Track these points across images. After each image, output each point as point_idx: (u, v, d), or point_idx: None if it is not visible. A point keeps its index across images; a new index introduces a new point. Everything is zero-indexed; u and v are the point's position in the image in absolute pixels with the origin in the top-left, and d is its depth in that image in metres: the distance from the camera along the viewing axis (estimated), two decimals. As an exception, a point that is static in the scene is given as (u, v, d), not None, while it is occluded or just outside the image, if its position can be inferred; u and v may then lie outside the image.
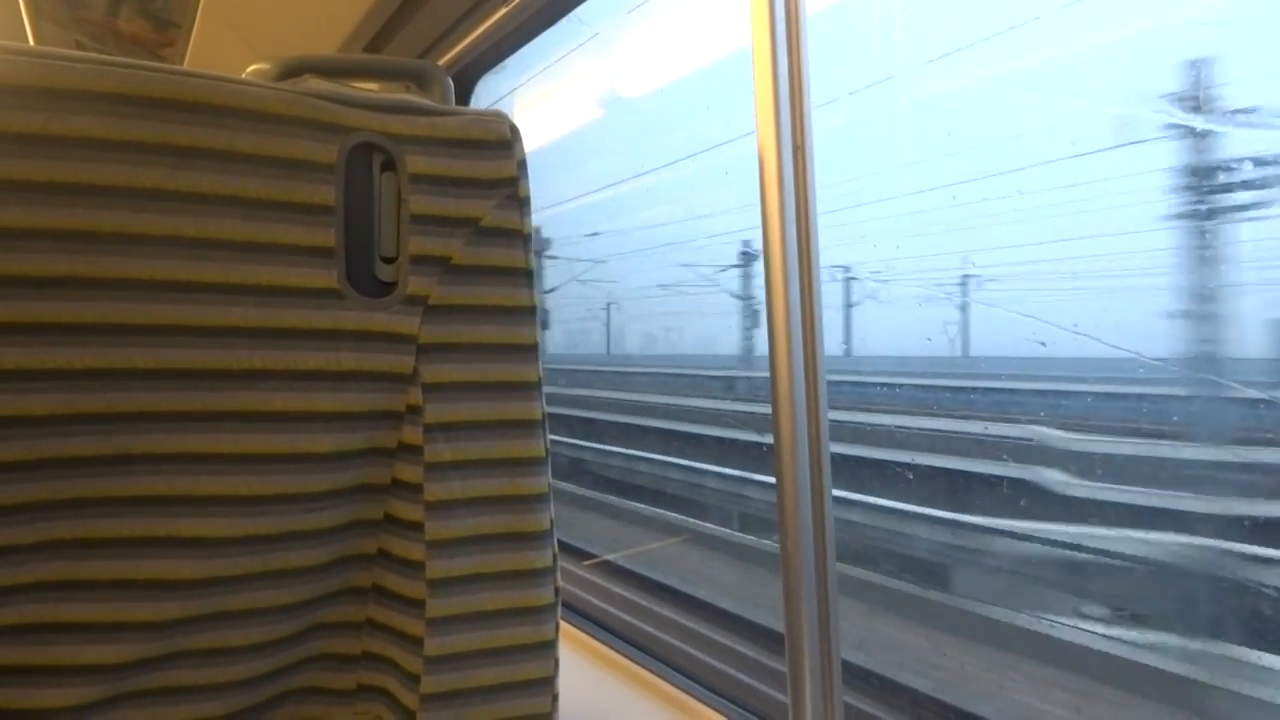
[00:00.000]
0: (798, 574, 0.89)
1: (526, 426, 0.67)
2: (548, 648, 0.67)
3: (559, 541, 0.70)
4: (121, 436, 0.56)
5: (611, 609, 1.47)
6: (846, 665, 0.89)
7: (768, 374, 0.89)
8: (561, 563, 0.70)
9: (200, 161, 0.57)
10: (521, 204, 0.67)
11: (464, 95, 1.65)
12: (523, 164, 0.67)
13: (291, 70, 0.72)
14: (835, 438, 0.89)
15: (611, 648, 1.33)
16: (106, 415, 0.56)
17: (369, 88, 0.73)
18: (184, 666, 0.60)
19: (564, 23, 1.43)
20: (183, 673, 0.60)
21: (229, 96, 0.58)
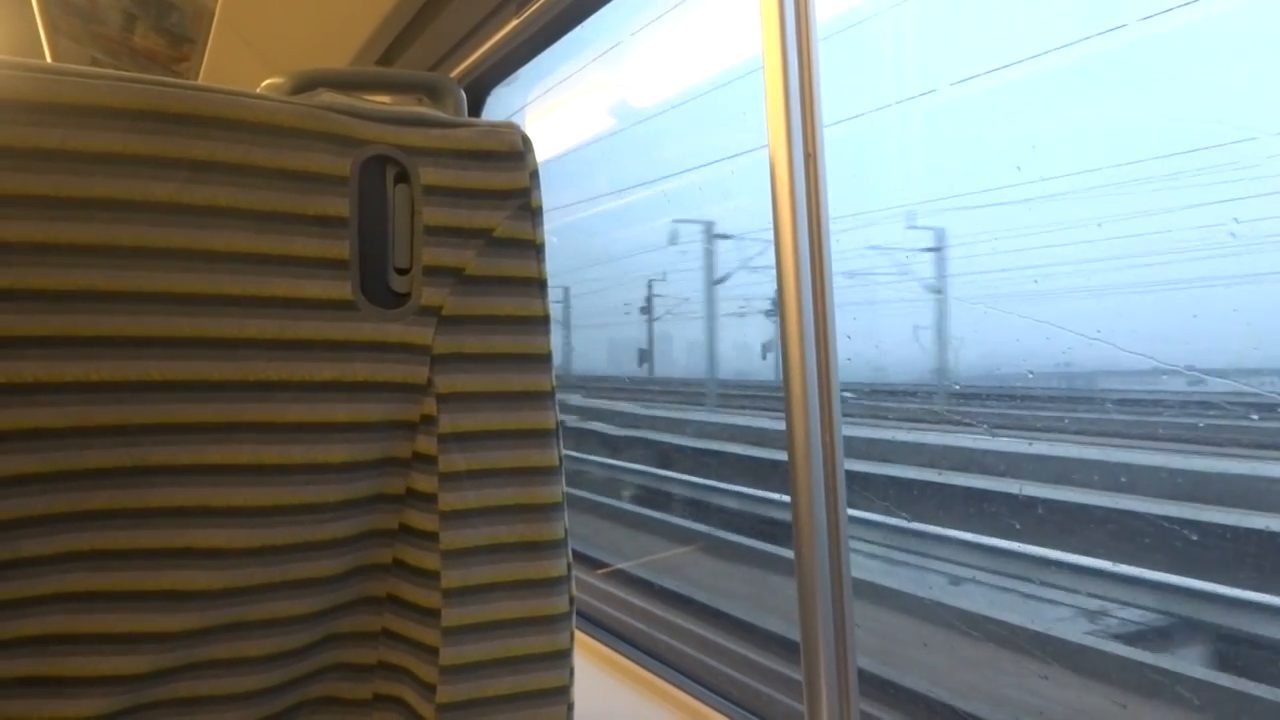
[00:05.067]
0: (813, 582, 0.89)
1: (540, 435, 0.67)
2: (563, 657, 0.67)
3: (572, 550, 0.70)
4: (138, 448, 0.57)
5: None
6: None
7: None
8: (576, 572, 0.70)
9: (216, 175, 0.57)
10: (534, 214, 0.67)
11: (476, 107, 1.66)
12: (535, 175, 0.68)
13: (305, 84, 0.72)
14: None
15: (626, 656, 1.32)
16: (123, 427, 0.56)
17: (382, 101, 0.74)
18: (201, 677, 0.60)
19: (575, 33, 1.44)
20: (200, 683, 0.60)
21: (244, 111, 0.58)
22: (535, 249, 0.67)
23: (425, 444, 0.64)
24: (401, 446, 0.64)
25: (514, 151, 0.66)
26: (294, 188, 0.59)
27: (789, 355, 0.90)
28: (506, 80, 1.66)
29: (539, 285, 0.68)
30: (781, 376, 0.91)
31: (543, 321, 0.68)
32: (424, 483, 0.64)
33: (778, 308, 0.91)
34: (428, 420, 0.64)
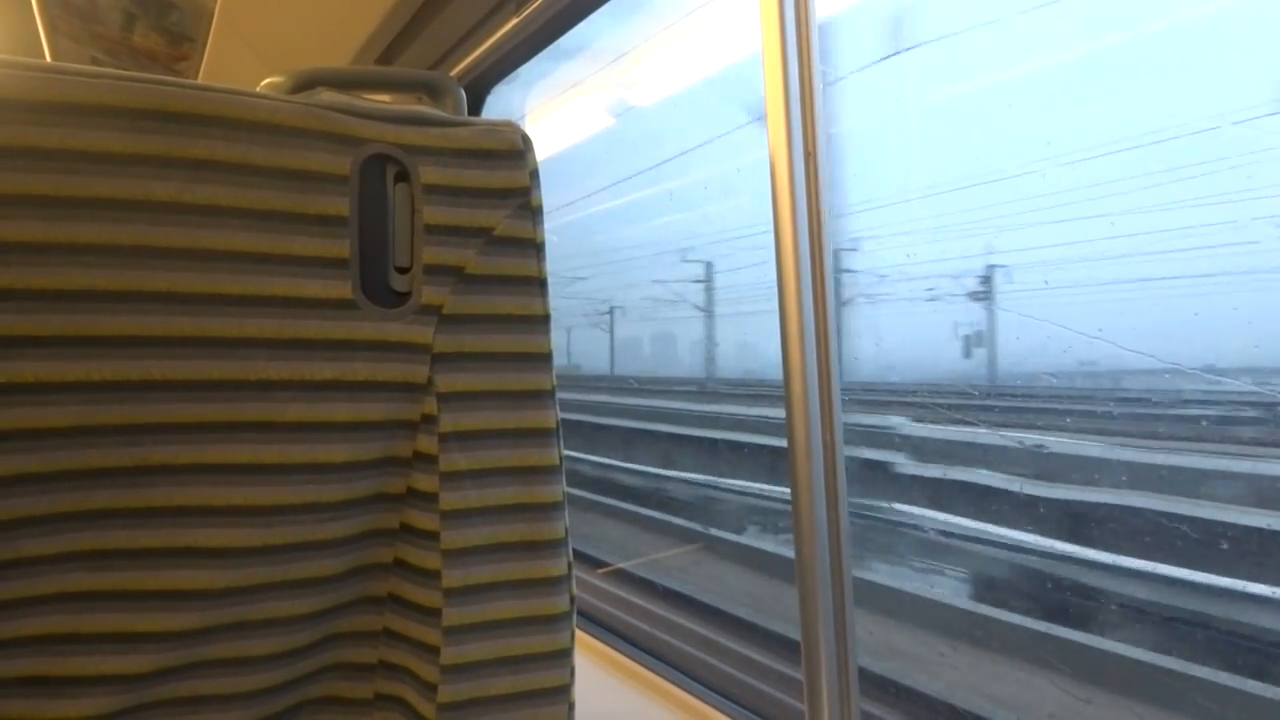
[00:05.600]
0: (813, 580, 0.89)
1: (541, 435, 0.67)
2: (563, 656, 0.67)
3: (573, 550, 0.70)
4: (139, 448, 0.57)
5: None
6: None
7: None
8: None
9: (215, 174, 0.57)
10: (534, 213, 0.67)
11: (476, 106, 1.66)
12: (535, 173, 0.68)
13: (305, 83, 0.72)
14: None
15: (627, 655, 1.32)
16: (125, 427, 0.56)
17: (382, 99, 0.74)
18: (203, 676, 0.60)
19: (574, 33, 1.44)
20: (202, 683, 0.60)
21: (243, 110, 0.58)
22: (535, 248, 0.67)
23: (426, 443, 0.64)
24: (402, 446, 0.64)
25: (514, 150, 0.66)
26: (294, 187, 0.59)
27: (789, 352, 0.90)
28: (507, 79, 1.66)
29: (539, 284, 0.68)
30: (781, 374, 0.91)
31: (543, 320, 0.68)
32: (425, 482, 0.64)
33: (779, 302, 0.91)
34: (428, 419, 0.64)
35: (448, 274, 0.64)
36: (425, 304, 0.64)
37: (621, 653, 1.33)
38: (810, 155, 0.89)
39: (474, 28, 1.45)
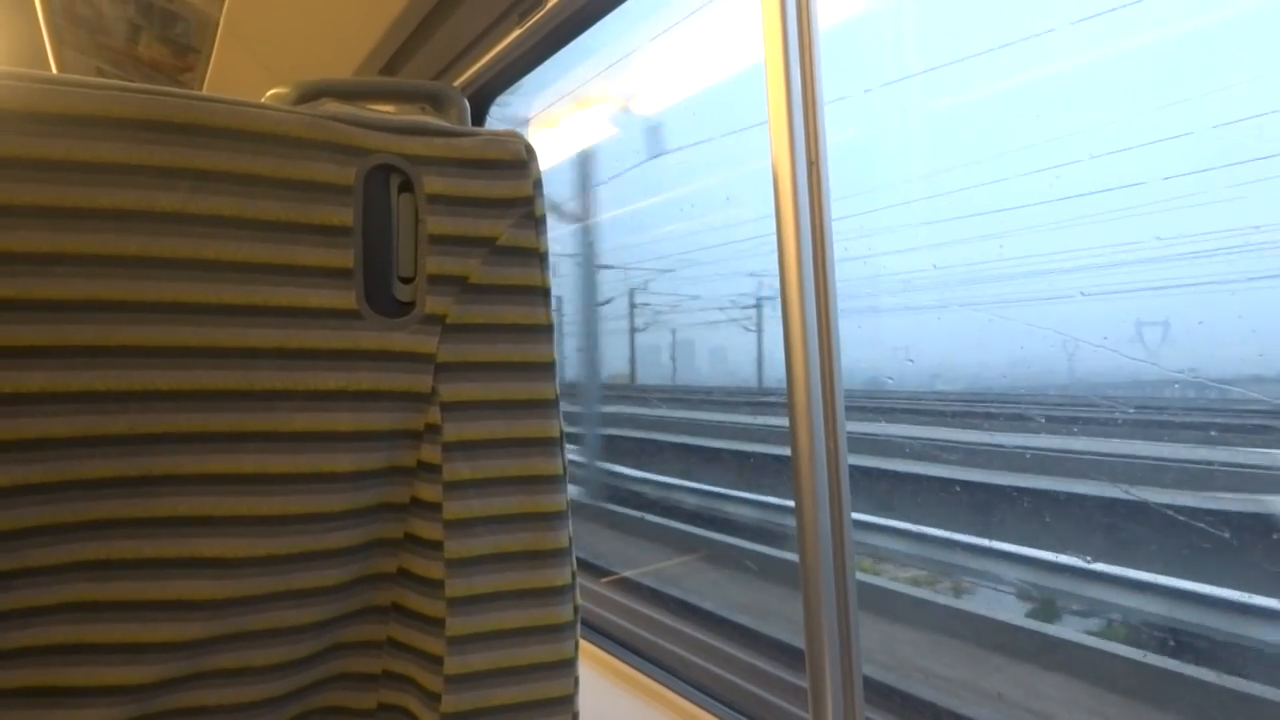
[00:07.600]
0: (818, 588, 0.89)
1: (544, 444, 0.67)
2: (567, 666, 0.67)
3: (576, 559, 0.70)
4: (144, 458, 0.57)
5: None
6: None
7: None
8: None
9: (220, 185, 0.57)
10: (538, 223, 0.67)
11: (479, 116, 1.66)
12: (538, 183, 0.68)
13: (309, 94, 0.73)
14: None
15: (631, 665, 1.32)
16: (129, 437, 0.56)
17: (386, 110, 0.74)
18: (207, 687, 0.60)
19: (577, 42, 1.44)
20: (206, 693, 0.60)
21: (248, 120, 0.58)
22: (539, 257, 0.67)
23: (430, 453, 0.64)
24: (406, 455, 0.64)
25: (517, 160, 0.67)
26: (298, 197, 0.60)
27: (792, 360, 0.90)
28: (510, 89, 1.66)
29: (543, 293, 0.68)
30: (785, 382, 0.91)
31: (546, 330, 0.68)
32: (429, 492, 0.64)
33: (782, 312, 0.91)
34: (432, 429, 0.64)
35: (451, 284, 0.64)
36: (429, 314, 0.64)
37: (626, 662, 1.33)
38: (813, 164, 0.89)
39: (477, 38, 1.45)
